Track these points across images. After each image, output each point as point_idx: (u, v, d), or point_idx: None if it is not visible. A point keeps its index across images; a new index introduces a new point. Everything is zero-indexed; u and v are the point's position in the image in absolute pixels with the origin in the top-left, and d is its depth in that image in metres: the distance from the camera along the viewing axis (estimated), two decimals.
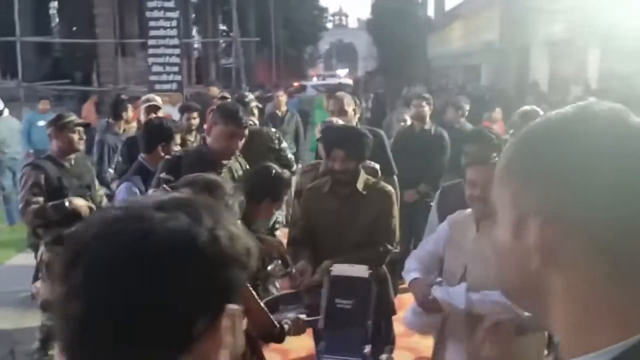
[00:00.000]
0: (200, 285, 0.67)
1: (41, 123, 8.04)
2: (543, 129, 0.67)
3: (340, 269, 1.87)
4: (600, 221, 0.60)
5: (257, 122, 5.90)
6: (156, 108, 5.33)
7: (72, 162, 3.84)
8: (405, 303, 4.45)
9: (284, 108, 7.25)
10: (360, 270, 1.78)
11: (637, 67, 10.89)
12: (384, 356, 3.98)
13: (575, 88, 9.57)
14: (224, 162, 3.06)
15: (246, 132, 3.09)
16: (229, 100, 6.15)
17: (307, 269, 2.83)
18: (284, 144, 5.50)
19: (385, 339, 3.78)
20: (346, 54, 67.38)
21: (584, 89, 9.36)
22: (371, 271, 2.34)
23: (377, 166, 3.65)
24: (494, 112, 7.24)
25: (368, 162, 3.48)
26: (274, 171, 2.86)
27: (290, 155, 5.28)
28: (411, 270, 2.47)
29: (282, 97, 7.47)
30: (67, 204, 3.58)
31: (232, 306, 0.70)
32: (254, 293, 1.78)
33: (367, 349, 1.54)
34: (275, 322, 1.82)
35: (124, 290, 0.65)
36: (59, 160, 3.78)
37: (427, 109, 5.24)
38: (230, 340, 0.71)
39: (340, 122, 3.87)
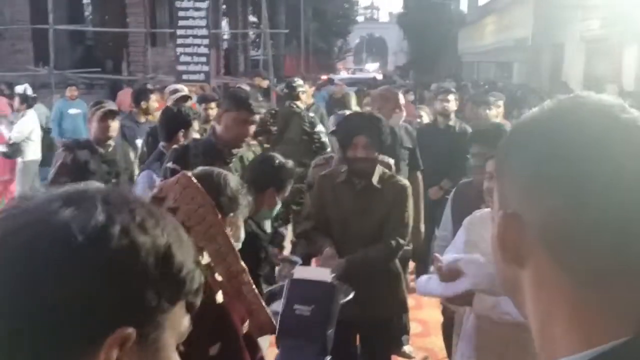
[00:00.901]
0: (65, 293, 0.54)
1: (73, 111, 8.17)
2: (526, 121, 0.67)
3: (302, 272, 1.73)
4: (551, 224, 0.58)
5: (302, 106, 5.91)
6: (186, 98, 5.33)
7: (110, 149, 3.91)
8: (418, 301, 4.45)
9: (309, 101, 7.25)
10: (323, 274, 1.64)
11: None
12: (406, 347, 3.96)
13: (611, 86, 9.27)
14: (234, 151, 3.03)
15: (257, 118, 3.07)
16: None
17: (334, 255, 2.82)
18: (319, 127, 5.53)
19: (401, 331, 3.77)
20: (376, 48, 67.01)
21: (619, 89, 9.07)
22: (334, 274, 2.21)
23: (392, 161, 3.61)
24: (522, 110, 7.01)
25: (382, 156, 3.43)
26: (277, 161, 2.82)
27: (324, 139, 5.32)
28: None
29: (307, 90, 7.46)
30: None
31: (127, 330, 0.56)
32: (257, 293, 1.72)
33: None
34: (275, 325, 1.76)
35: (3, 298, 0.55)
36: (94, 146, 3.84)
37: (453, 104, 5.10)
38: None
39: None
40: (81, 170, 3.67)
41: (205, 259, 1.59)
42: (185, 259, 0.62)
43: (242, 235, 1.89)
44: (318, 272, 1.65)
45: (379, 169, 3.00)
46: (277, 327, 1.48)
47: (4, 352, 0.55)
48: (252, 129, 3.10)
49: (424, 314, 4.52)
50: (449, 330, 3.15)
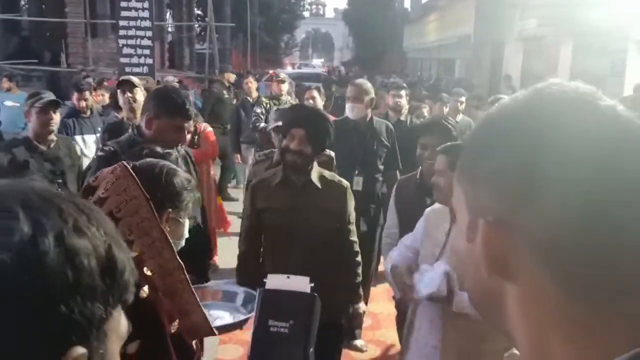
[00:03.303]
0: (11, 323, 0.45)
1: (9, 103, 7.80)
2: (493, 118, 0.59)
3: (276, 282, 1.46)
4: (546, 229, 0.52)
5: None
6: (131, 85, 4.87)
7: (52, 144, 3.64)
8: (374, 295, 4.49)
9: (254, 94, 7.21)
10: (301, 283, 1.37)
11: (608, 64, 11.09)
12: (358, 342, 3.97)
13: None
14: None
15: (191, 123, 2.87)
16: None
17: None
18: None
19: (353, 325, 3.69)
20: (323, 44, 67.18)
21: None
22: (313, 284, 1.93)
23: (333, 154, 3.51)
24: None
25: (327, 150, 3.35)
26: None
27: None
28: (393, 260, 2.45)
29: (252, 83, 7.46)
30: None
31: (78, 350, 0.49)
32: (194, 292, 1.59)
33: None
34: (215, 330, 1.63)
35: None
36: (33, 143, 3.55)
37: (404, 100, 5.17)
38: None
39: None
40: (21, 172, 3.47)
41: (133, 252, 1.51)
42: (125, 259, 0.55)
43: (185, 233, 1.78)
44: (294, 281, 1.39)
45: (316, 168, 2.80)
46: (250, 348, 1.31)
47: None
48: (188, 136, 2.87)
49: (374, 306, 4.56)
50: (401, 319, 3.19)
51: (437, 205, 2.47)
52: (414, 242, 2.51)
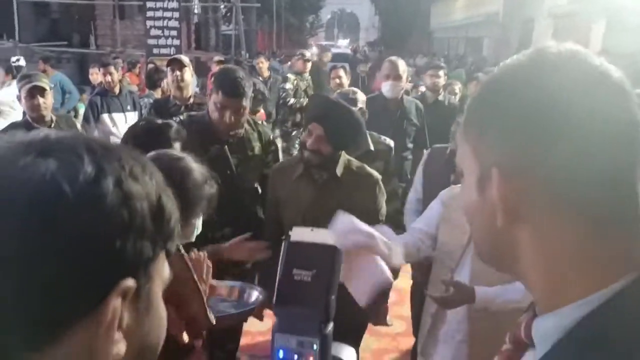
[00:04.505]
0: (65, 255, 0.49)
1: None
2: (498, 77, 0.64)
3: (300, 234, 1.50)
4: (563, 173, 0.57)
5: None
6: (179, 64, 4.44)
7: (52, 125, 3.67)
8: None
9: (265, 74, 7.33)
10: (323, 236, 1.44)
11: None
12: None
13: None
14: (231, 132, 2.73)
15: (244, 103, 2.70)
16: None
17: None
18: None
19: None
20: (348, 24, 66.54)
21: None
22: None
23: (392, 143, 3.30)
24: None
25: (383, 137, 3.28)
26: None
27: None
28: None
29: (263, 63, 7.60)
30: None
31: (128, 282, 0.53)
32: (196, 279, 1.56)
33: (329, 328, 1.31)
34: (212, 319, 1.61)
35: None
36: (33, 125, 3.54)
37: (442, 80, 5.11)
38: (132, 325, 0.56)
39: (360, 93, 3.35)
40: None
41: None
42: (172, 208, 0.59)
43: (196, 231, 1.75)
44: (318, 234, 1.48)
45: (344, 160, 2.55)
46: (275, 294, 1.39)
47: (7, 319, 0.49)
48: (238, 116, 2.70)
49: (400, 282, 4.57)
50: (417, 298, 3.14)
51: (456, 190, 2.33)
52: (429, 227, 2.36)
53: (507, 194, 0.60)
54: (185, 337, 1.58)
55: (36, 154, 0.51)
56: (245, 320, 2.36)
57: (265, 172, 2.85)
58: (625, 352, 0.54)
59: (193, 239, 1.74)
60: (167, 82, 4.62)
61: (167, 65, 4.40)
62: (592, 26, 12.04)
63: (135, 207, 0.53)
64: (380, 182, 2.60)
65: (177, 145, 2.06)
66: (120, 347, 0.54)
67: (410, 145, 4.19)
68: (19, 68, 7.33)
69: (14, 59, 8.24)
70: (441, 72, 5.09)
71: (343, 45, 44.81)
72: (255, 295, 2.20)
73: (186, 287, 1.53)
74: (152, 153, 1.65)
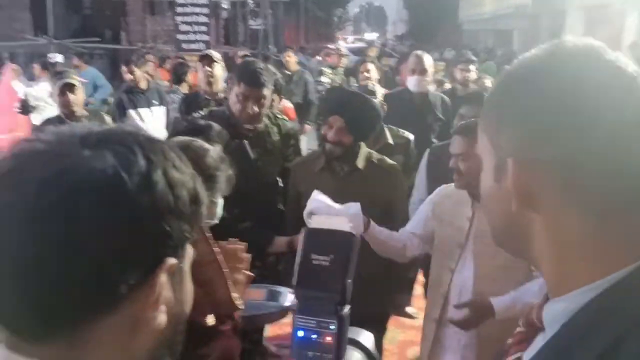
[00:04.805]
0: (126, 236, 0.57)
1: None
2: (516, 69, 0.67)
3: (319, 221, 1.61)
4: (575, 162, 0.60)
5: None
6: (210, 59, 4.56)
7: (83, 120, 3.74)
8: None
9: (293, 68, 7.47)
10: (340, 223, 1.54)
11: None
12: (409, 309, 4.05)
13: None
14: (248, 126, 2.74)
15: (265, 92, 2.70)
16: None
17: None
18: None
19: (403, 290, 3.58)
20: (375, 18, 66.19)
21: None
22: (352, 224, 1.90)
23: (411, 137, 3.30)
24: None
25: (402, 131, 3.25)
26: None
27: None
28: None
29: (291, 57, 7.69)
30: None
31: (172, 260, 0.61)
32: (220, 261, 1.60)
33: (345, 309, 1.39)
34: (239, 304, 1.65)
35: (29, 239, 0.54)
36: (65, 121, 3.64)
37: (473, 74, 5.09)
38: (170, 298, 0.63)
39: (378, 86, 3.36)
40: None
41: None
42: (204, 193, 0.67)
43: (219, 211, 1.78)
44: (336, 220, 1.59)
45: (365, 152, 2.59)
46: (295, 278, 1.49)
47: (9, 304, 0.56)
48: (259, 106, 2.70)
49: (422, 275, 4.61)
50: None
51: (448, 189, 2.26)
52: (416, 229, 2.30)
53: (521, 183, 0.63)
54: (211, 319, 1.63)
55: (93, 147, 0.58)
56: (278, 319, 2.45)
57: (286, 166, 2.88)
58: (624, 334, 0.57)
59: (217, 220, 1.79)
60: (198, 77, 4.73)
61: (199, 61, 4.50)
62: (625, 19, 11.78)
63: (179, 193, 0.61)
64: (401, 174, 2.63)
65: (217, 147, 2.05)
66: (162, 317, 0.62)
67: (434, 141, 4.20)
68: (54, 64, 7.52)
69: (50, 55, 8.43)
70: (472, 66, 5.07)
71: (371, 38, 44.55)
72: (285, 295, 2.28)
73: (209, 269, 1.59)
74: (172, 139, 1.71)
